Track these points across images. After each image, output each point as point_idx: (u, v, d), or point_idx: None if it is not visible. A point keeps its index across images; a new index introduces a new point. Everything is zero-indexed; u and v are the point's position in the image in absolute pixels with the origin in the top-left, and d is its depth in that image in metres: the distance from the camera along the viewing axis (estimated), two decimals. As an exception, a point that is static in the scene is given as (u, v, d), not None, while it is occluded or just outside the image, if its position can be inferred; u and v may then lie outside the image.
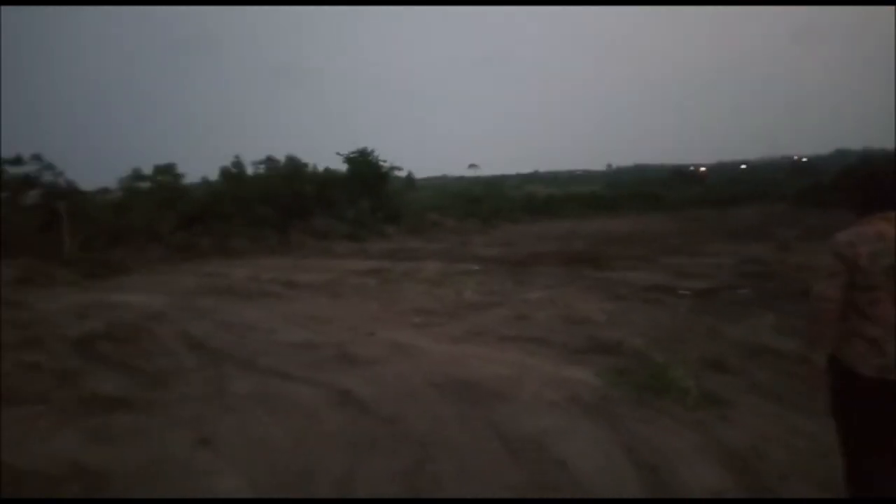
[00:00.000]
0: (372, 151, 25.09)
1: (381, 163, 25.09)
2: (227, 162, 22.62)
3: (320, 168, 24.69)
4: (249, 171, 22.81)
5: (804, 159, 64.30)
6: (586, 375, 5.19)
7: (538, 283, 10.29)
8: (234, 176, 22.10)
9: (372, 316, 8.50)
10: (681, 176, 58.07)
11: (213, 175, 22.93)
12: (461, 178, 44.77)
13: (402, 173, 26.34)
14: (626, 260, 12.70)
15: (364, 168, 24.91)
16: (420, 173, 40.18)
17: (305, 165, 23.59)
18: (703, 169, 64.90)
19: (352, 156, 25.18)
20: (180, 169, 21.54)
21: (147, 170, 21.04)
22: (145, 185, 21.30)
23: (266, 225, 20.42)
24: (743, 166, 68.43)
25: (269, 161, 23.17)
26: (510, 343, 6.59)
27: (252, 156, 28.43)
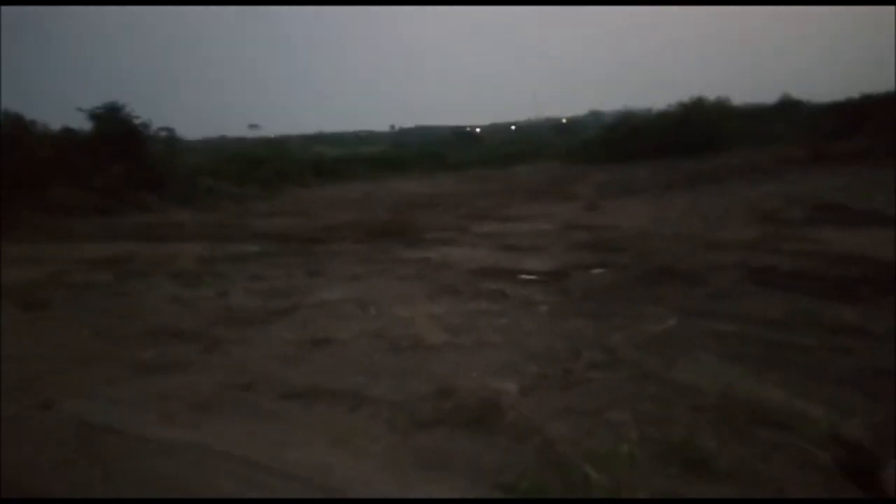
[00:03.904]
0: (123, 107, 20.02)
1: (136, 120, 20.14)
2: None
3: (55, 127, 19.17)
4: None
5: (564, 120, 67.26)
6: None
7: (339, 271, 7.33)
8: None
9: (76, 349, 5.04)
10: (460, 136, 57.81)
11: None
12: (241, 140, 39.74)
13: (165, 132, 21.43)
14: (437, 231, 10.17)
15: (114, 127, 19.80)
16: (193, 133, 34.72)
17: (33, 124, 18.01)
18: (478, 130, 65.42)
19: (97, 112, 19.90)
20: None
21: None
22: None
23: (-25, 200, 15.00)
24: (513, 127, 70.13)
25: (-21, 118, 17.29)
26: (301, 406, 3.65)
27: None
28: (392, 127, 68.13)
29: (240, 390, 4.01)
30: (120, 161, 19.23)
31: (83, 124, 19.95)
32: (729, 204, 11.20)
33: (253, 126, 40.17)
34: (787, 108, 37.21)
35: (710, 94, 31.04)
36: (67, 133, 19.56)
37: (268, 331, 5.26)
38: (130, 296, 7.18)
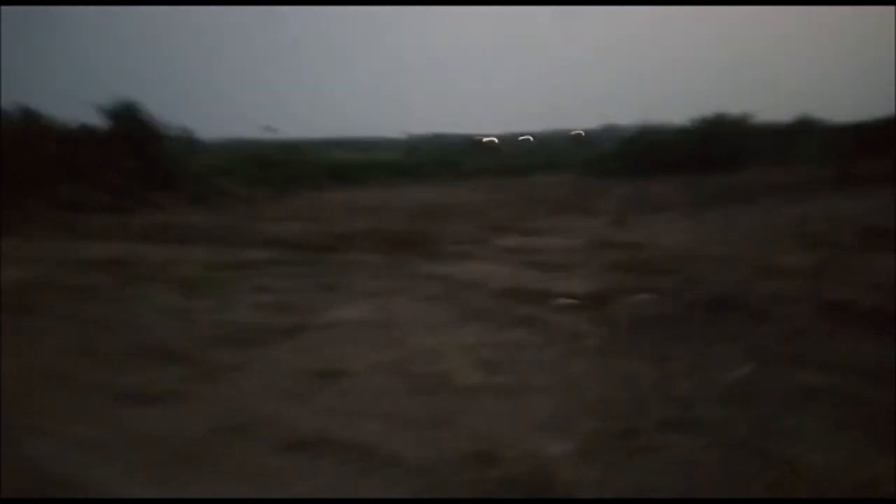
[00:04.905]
0: (139, 105, 19.49)
1: (153, 118, 19.59)
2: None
3: (70, 123, 18.64)
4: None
5: (579, 132, 66.40)
6: None
7: (353, 286, 6.60)
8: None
9: (50, 367, 4.34)
10: (475, 145, 57.17)
11: None
12: (256, 142, 39.16)
13: (181, 132, 20.88)
14: (458, 243, 9.44)
15: (129, 124, 19.26)
16: (209, 134, 34.13)
17: (42, 118, 17.46)
18: (494, 139, 64.74)
19: (113, 109, 19.37)
20: None
21: None
22: None
23: (-19, 194, 14.41)
24: (528, 138, 69.42)
25: (-10, 111, 16.78)
26: (304, 462, 2.91)
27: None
28: (407, 134, 67.40)
29: (233, 435, 3.28)
30: (133, 159, 18.66)
31: (100, 122, 19.44)
32: (767, 224, 10.41)
33: (268, 128, 39.62)
34: (806, 128, 36.27)
35: (727, 111, 30.10)
36: (82, 129, 19.02)
37: (272, 355, 4.54)
38: (126, 304, 6.50)
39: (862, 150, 23.24)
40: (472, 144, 55.76)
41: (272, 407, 3.58)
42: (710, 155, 25.74)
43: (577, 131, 66.43)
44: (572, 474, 2.65)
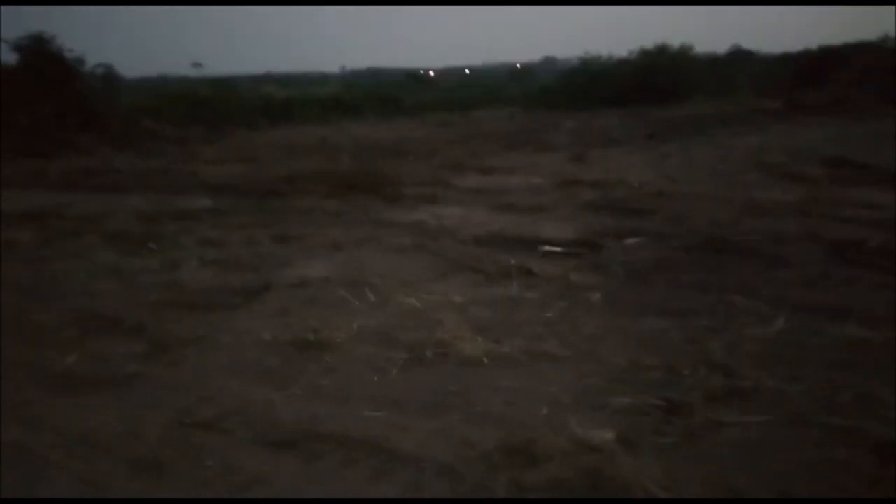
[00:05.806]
0: (53, 38, 17.57)
1: (69, 53, 17.75)
2: None
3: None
4: None
5: (518, 65, 65.31)
6: None
7: (313, 237, 5.93)
8: None
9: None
10: (414, 79, 55.41)
11: None
12: (184, 79, 36.76)
13: (101, 69, 19.04)
14: (416, 185, 8.80)
15: (42, 60, 17.39)
16: (132, 72, 31.73)
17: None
18: (432, 73, 63.00)
19: (22, 43, 17.42)
20: None
21: None
22: None
23: None
24: (467, 71, 67.94)
25: None
26: (294, 464, 2.37)
27: None
28: (343, 68, 64.77)
29: (201, 431, 2.71)
30: (49, 99, 16.91)
31: (7, 58, 17.46)
32: (728, 156, 10.19)
33: (196, 65, 36.96)
34: (742, 58, 36.48)
35: (667, 42, 29.73)
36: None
37: (235, 322, 3.91)
38: (55, 264, 5.66)
39: (802, 80, 23.46)
40: (410, 78, 54.03)
41: (246, 391, 3.01)
42: (653, 86, 25.57)
43: (515, 64, 65.20)
44: (630, 470, 2.21)
